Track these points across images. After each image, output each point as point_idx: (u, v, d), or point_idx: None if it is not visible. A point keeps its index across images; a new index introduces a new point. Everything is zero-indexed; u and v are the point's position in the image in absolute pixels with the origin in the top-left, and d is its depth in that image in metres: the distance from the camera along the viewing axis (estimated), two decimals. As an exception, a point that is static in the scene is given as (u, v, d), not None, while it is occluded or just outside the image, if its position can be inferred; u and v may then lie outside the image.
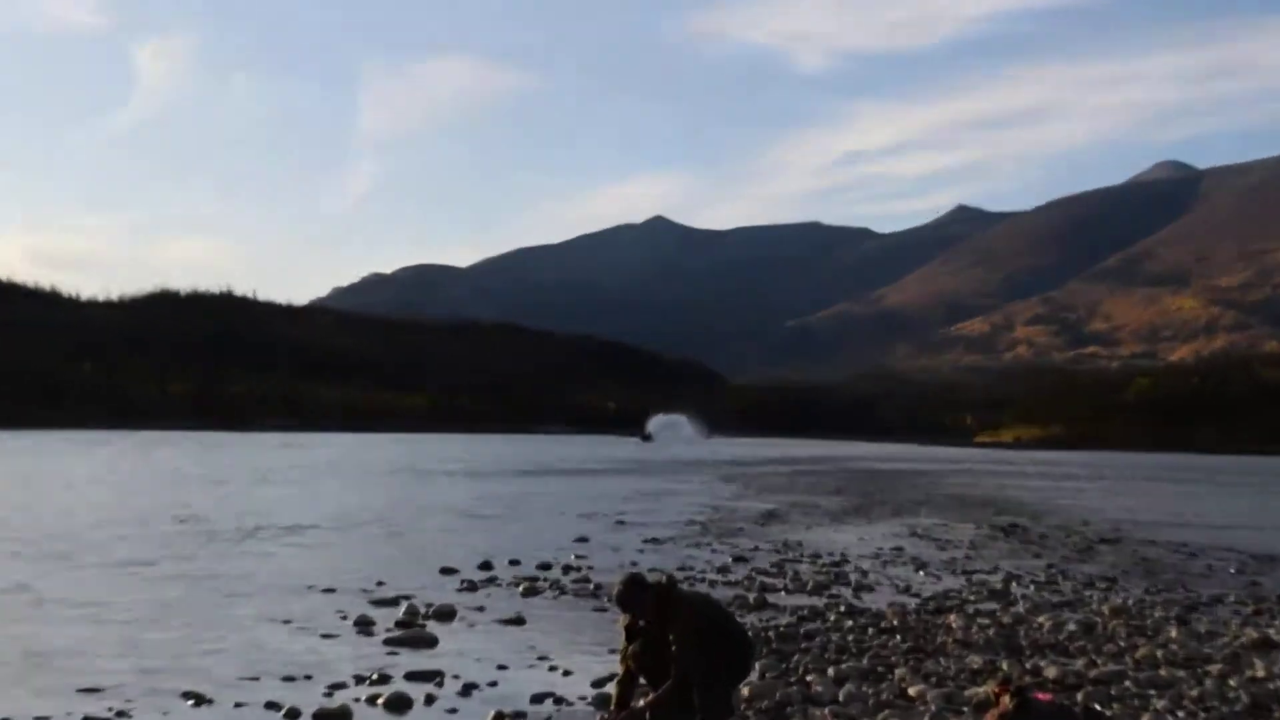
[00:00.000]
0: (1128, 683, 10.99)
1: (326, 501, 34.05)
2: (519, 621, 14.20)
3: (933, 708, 9.86)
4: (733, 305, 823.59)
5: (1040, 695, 7.63)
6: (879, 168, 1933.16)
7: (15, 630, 12.97)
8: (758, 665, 11.06)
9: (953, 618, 14.57)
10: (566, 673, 11.30)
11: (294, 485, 42.17)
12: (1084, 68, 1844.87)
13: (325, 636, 12.93)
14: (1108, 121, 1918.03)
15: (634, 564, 19.94)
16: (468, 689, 10.59)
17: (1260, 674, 11.56)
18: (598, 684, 10.69)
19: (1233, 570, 21.66)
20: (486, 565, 19.23)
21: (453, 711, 9.88)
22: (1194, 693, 10.55)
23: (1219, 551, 25.18)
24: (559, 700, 10.23)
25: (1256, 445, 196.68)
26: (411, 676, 10.95)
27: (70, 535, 22.70)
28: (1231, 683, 11.09)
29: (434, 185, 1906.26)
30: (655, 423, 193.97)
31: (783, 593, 16.96)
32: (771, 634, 13.22)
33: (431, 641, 12.76)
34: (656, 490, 45.26)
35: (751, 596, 16.07)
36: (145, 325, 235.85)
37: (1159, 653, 12.54)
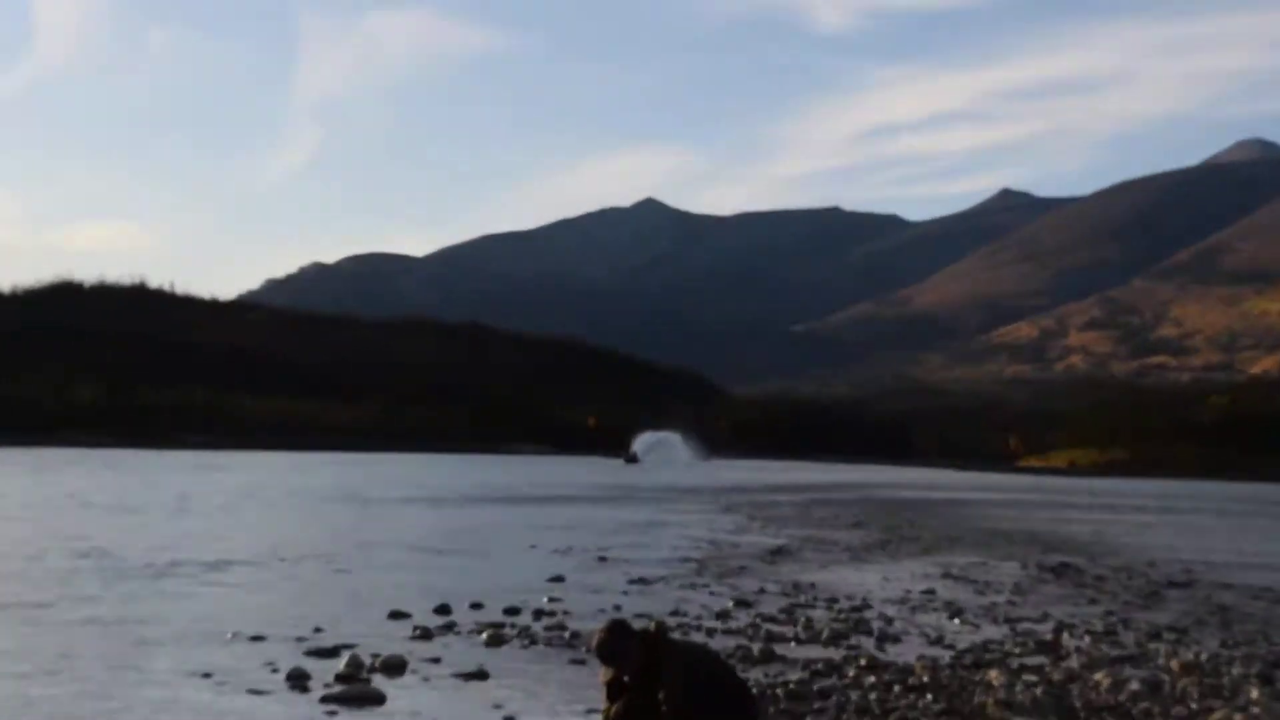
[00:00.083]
0: (1200, 752, 11.00)
1: (255, 533, 33.94)
2: (481, 676, 14.16)
3: (970, 780, 9.85)
4: (735, 304, 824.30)
5: None
6: (909, 144, 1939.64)
7: (-116, 683, 12.88)
8: (764, 729, 11.03)
9: (993, 674, 14.57)
10: (537, 737, 11.26)
11: (217, 513, 42.04)
12: (1154, 28, 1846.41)
13: (252, 693, 12.87)
14: (1181, 92, 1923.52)
15: (617, 608, 19.91)
16: (421, 756, 10.55)
17: (1355, 743, 11.57)
18: (574, 750, 10.67)
19: (1322, 620, 21.72)
20: (443, 609, 19.18)
21: (403, 782, 9.85)
22: (1277, 764, 10.56)
23: (1306, 598, 25.24)
24: (529, 770, 10.20)
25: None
26: (354, 741, 10.91)
27: (-49, 571, 22.59)
28: (1321, 753, 11.10)
29: (384, 161, 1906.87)
30: (642, 442, 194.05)
31: (793, 643, 16.94)
32: (779, 692, 13.20)
33: (378, 699, 12.70)
34: (645, 521, 45.21)
35: (756, 647, 16.05)
36: (43, 323, 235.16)
37: (1237, 716, 12.54)
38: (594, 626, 15.45)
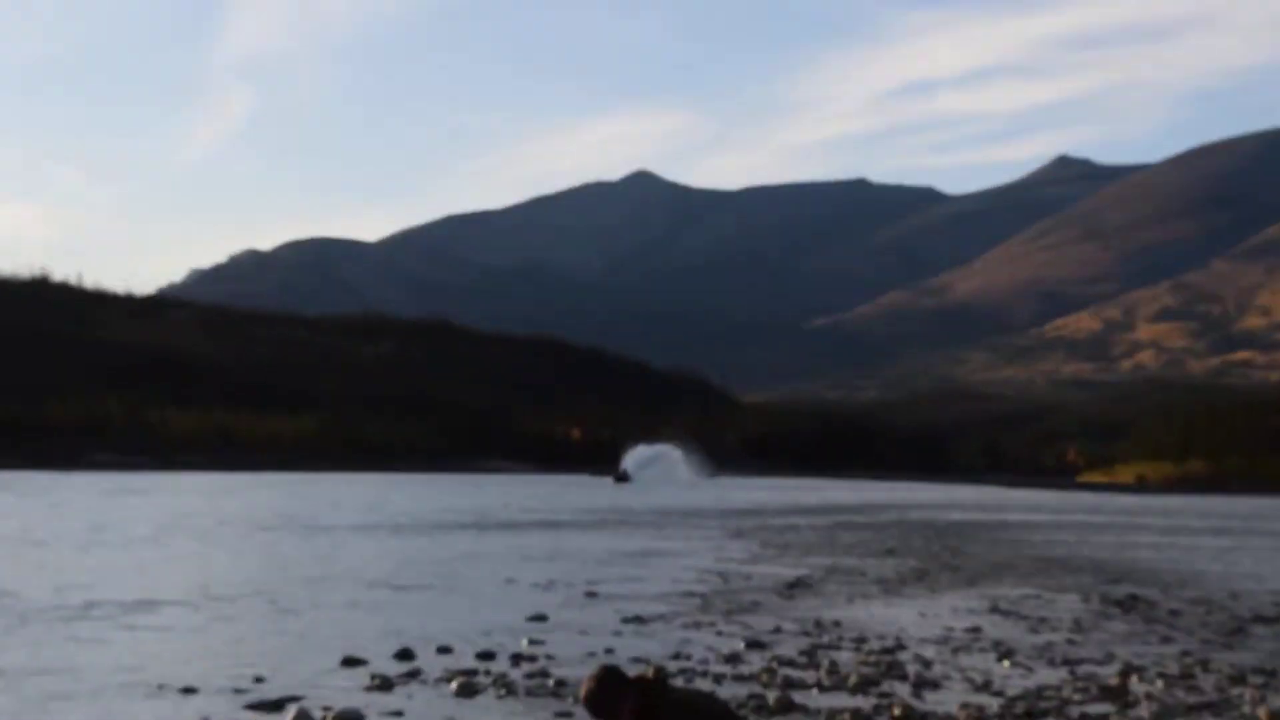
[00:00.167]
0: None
1: (183, 567, 33.97)
2: (452, 731, 14.24)
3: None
4: (744, 296, 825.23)
5: None
6: (947, 104, 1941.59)
7: None
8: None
9: (1050, 724, 14.65)
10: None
11: (137, 545, 42.03)
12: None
13: (184, 753, 12.95)
14: (1270, 39, 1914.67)
15: (609, 652, 19.98)
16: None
17: None
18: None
19: None
20: (406, 654, 19.26)
21: None
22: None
23: None
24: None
25: None
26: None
27: None
28: None
29: (328, 130, 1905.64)
30: (635, 457, 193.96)
31: (815, 690, 17.02)
32: (801, 747, 13.29)
33: (331, 759, 12.78)
34: (640, 550, 45.28)
35: (772, 696, 16.12)
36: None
37: (1332, 771, 12.64)
38: (582, 673, 15.55)
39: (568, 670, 17.93)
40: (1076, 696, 16.92)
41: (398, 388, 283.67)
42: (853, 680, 17.63)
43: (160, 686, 16.43)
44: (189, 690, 16.23)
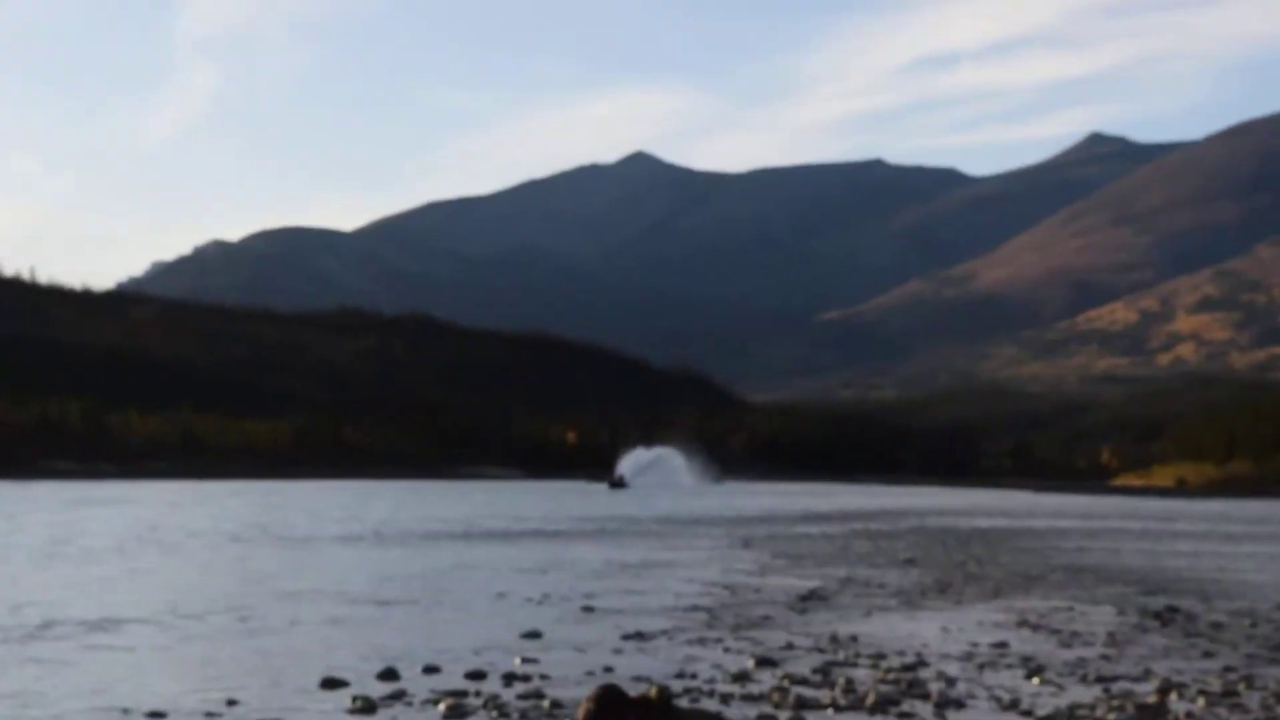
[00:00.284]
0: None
1: (149, 583, 34.03)
2: (441, 757, 14.30)
3: None
4: (751, 286, 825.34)
5: None
6: (970, 78, 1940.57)
7: None
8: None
9: (1083, 745, 14.72)
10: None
11: (100, 559, 42.06)
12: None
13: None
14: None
15: (608, 670, 20.04)
16: None
17: None
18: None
19: None
20: (390, 674, 19.31)
21: None
22: None
23: None
24: None
25: None
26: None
27: None
28: None
29: (300, 111, 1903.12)
30: (632, 461, 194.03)
31: (830, 710, 17.08)
32: (815, 771, 13.35)
33: (312, 787, 12.85)
34: (640, 561, 45.34)
35: (784, 717, 16.18)
36: None
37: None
38: (580, 694, 15.59)
39: (564, 691, 17.97)
40: (1111, 716, 16.97)
41: (378, 388, 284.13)
42: (871, 699, 17.69)
43: (126, 711, 16.48)
44: (157, 715, 16.27)
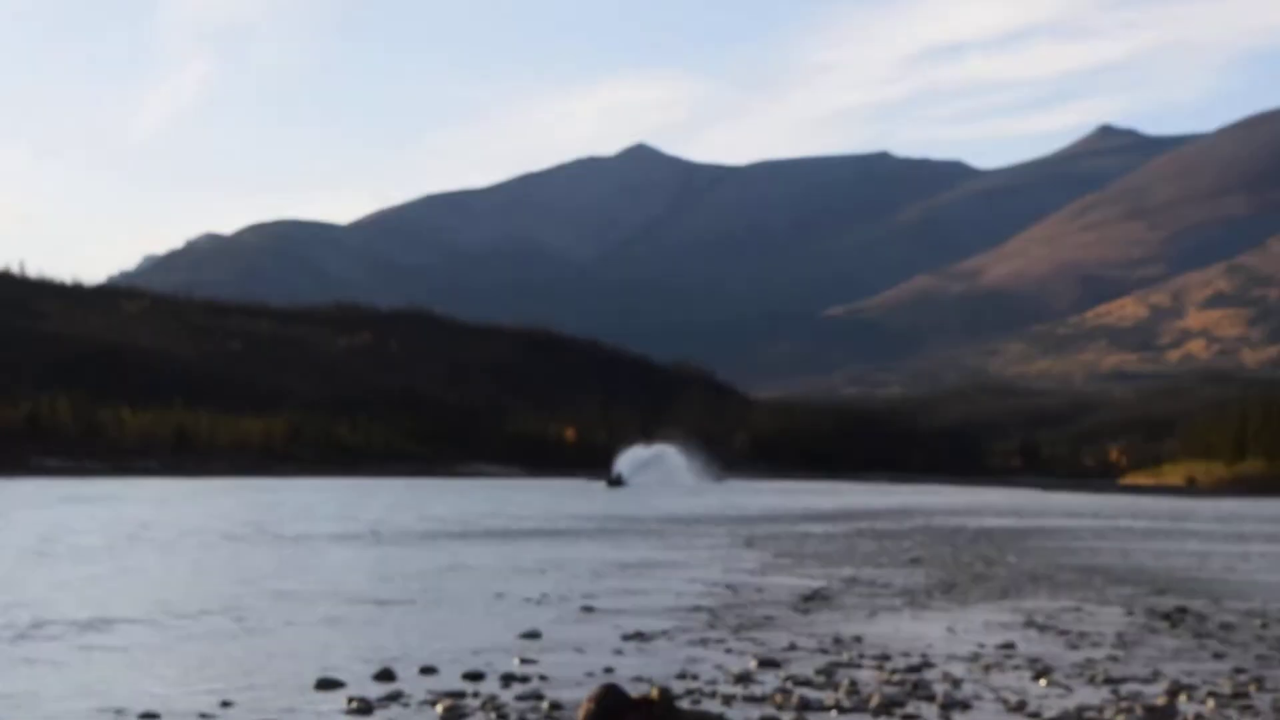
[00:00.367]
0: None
1: (141, 582, 34.06)
2: (438, 759, 14.35)
3: None
4: (753, 281, 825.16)
5: None
6: (978, 68, 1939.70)
7: None
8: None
9: (1090, 748, 14.76)
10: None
11: (91, 558, 42.12)
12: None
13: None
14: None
15: (609, 671, 20.08)
16: None
17: None
18: None
19: None
20: (386, 675, 19.36)
21: None
22: None
23: None
24: None
25: None
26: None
27: None
28: None
29: (294, 102, 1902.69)
30: (630, 459, 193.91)
31: (834, 712, 17.13)
32: (819, 774, 13.39)
33: (308, 789, 12.89)
34: (640, 561, 45.38)
35: (787, 718, 16.21)
36: None
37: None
38: (579, 695, 15.64)
39: (564, 692, 18.01)
40: (1120, 718, 17.00)
41: (374, 384, 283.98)
42: (875, 701, 17.73)
43: (119, 712, 16.52)
44: (150, 716, 16.31)
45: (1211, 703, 18.29)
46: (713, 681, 19.34)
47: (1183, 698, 18.65)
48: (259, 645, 22.73)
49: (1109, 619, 28.98)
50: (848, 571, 41.58)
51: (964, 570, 43.09)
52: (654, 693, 8.93)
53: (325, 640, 23.35)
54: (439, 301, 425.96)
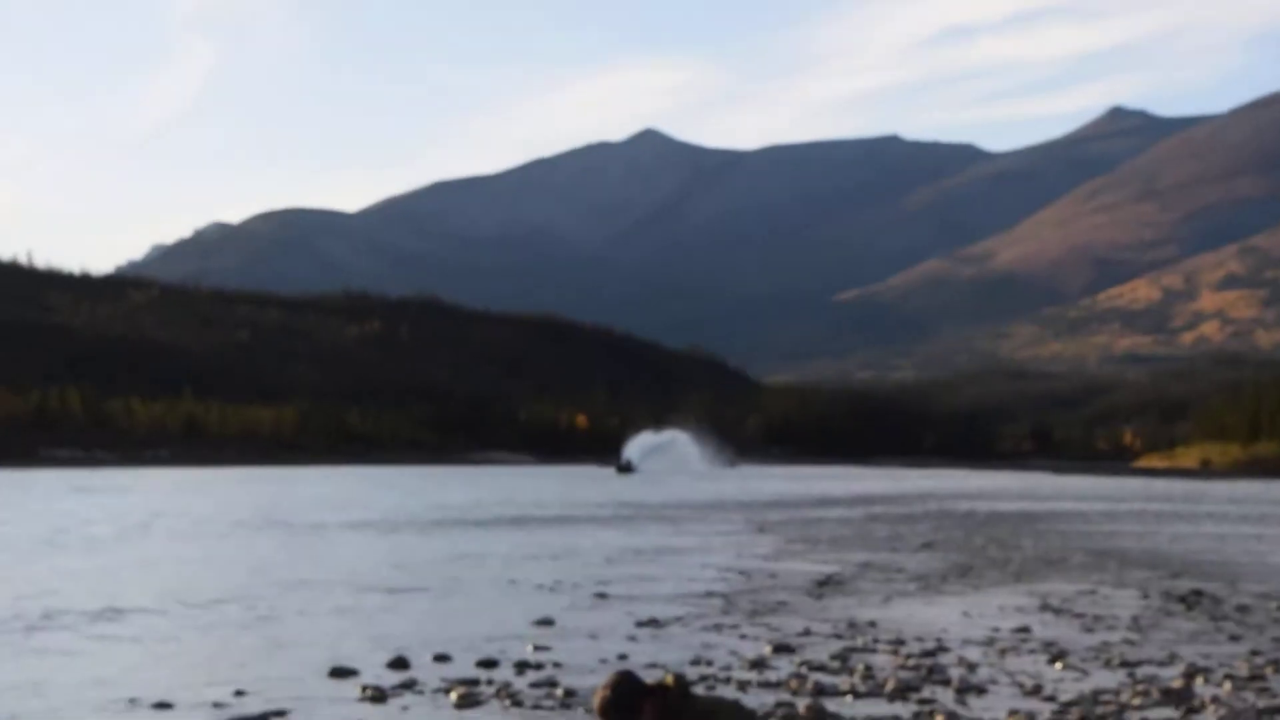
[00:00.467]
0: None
1: (153, 572, 34.11)
2: (453, 746, 14.37)
3: None
4: (764, 266, 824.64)
5: None
6: (989, 51, 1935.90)
7: None
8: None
9: (1107, 731, 14.76)
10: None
11: (103, 548, 42.20)
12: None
13: (161, 772, 13.06)
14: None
15: (623, 658, 20.10)
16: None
17: None
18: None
19: None
20: (400, 663, 19.38)
21: None
22: None
23: None
24: None
25: None
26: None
27: None
28: None
29: (301, 90, 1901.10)
30: (639, 445, 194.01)
31: (849, 697, 17.14)
32: (835, 758, 13.40)
33: (322, 777, 12.91)
34: (653, 547, 45.42)
35: (802, 704, 16.22)
36: None
37: None
38: (593, 682, 15.67)
39: (577, 679, 18.04)
40: (1136, 701, 17.01)
41: (384, 373, 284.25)
42: (890, 686, 17.75)
43: (132, 701, 16.55)
44: (163, 705, 16.34)
45: (1228, 685, 18.29)
46: (727, 667, 19.36)
47: (1199, 680, 18.65)
48: (272, 634, 22.76)
49: (1124, 602, 28.98)
50: (861, 556, 41.60)
51: (978, 554, 43.10)
52: (669, 679, 8.93)
53: (338, 629, 23.38)
54: (448, 289, 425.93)
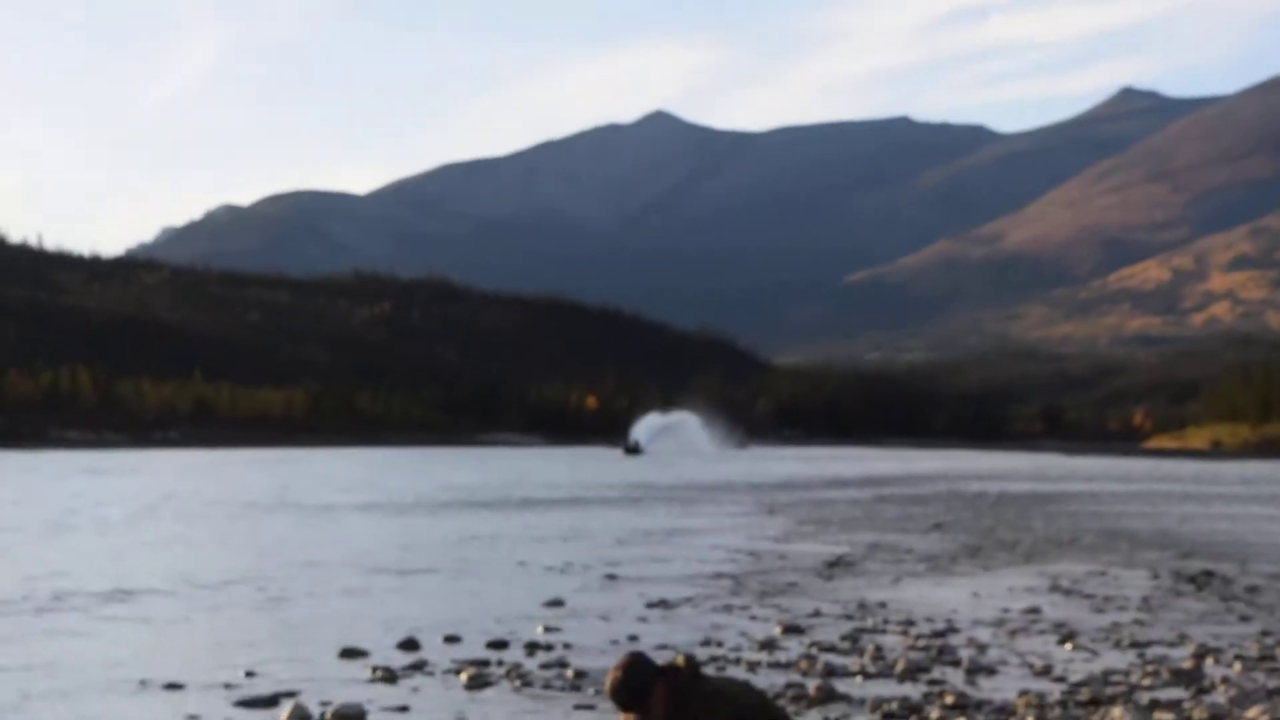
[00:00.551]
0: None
1: (163, 553, 34.18)
2: (462, 727, 14.38)
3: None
4: (774, 248, 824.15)
5: None
6: (999, 31, 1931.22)
7: None
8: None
9: (1117, 712, 14.75)
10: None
11: (112, 530, 42.29)
12: None
13: (172, 753, 13.09)
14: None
15: (633, 639, 20.14)
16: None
17: None
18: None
19: None
20: (411, 644, 19.41)
21: None
22: None
23: None
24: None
25: None
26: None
27: None
28: None
29: (312, 70, 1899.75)
30: (647, 426, 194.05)
31: (859, 678, 17.14)
32: (844, 739, 13.40)
33: (333, 758, 12.91)
34: (663, 529, 45.47)
35: (812, 685, 16.23)
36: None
37: None
38: (603, 663, 15.69)
39: (588, 660, 18.06)
40: (1146, 681, 17.00)
41: (394, 354, 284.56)
42: (900, 666, 17.75)
43: (143, 683, 16.57)
44: (174, 686, 16.36)
45: (1238, 666, 18.29)
46: (737, 648, 19.38)
47: (1209, 661, 18.65)
48: (282, 615, 22.80)
49: (1134, 583, 28.99)
50: (871, 537, 41.64)
51: (988, 535, 43.13)
52: (679, 660, 8.92)
53: (349, 610, 23.42)
54: (458, 271, 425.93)
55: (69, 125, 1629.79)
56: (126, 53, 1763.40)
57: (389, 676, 17.08)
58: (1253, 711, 14.84)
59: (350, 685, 16.48)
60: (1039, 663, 18.53)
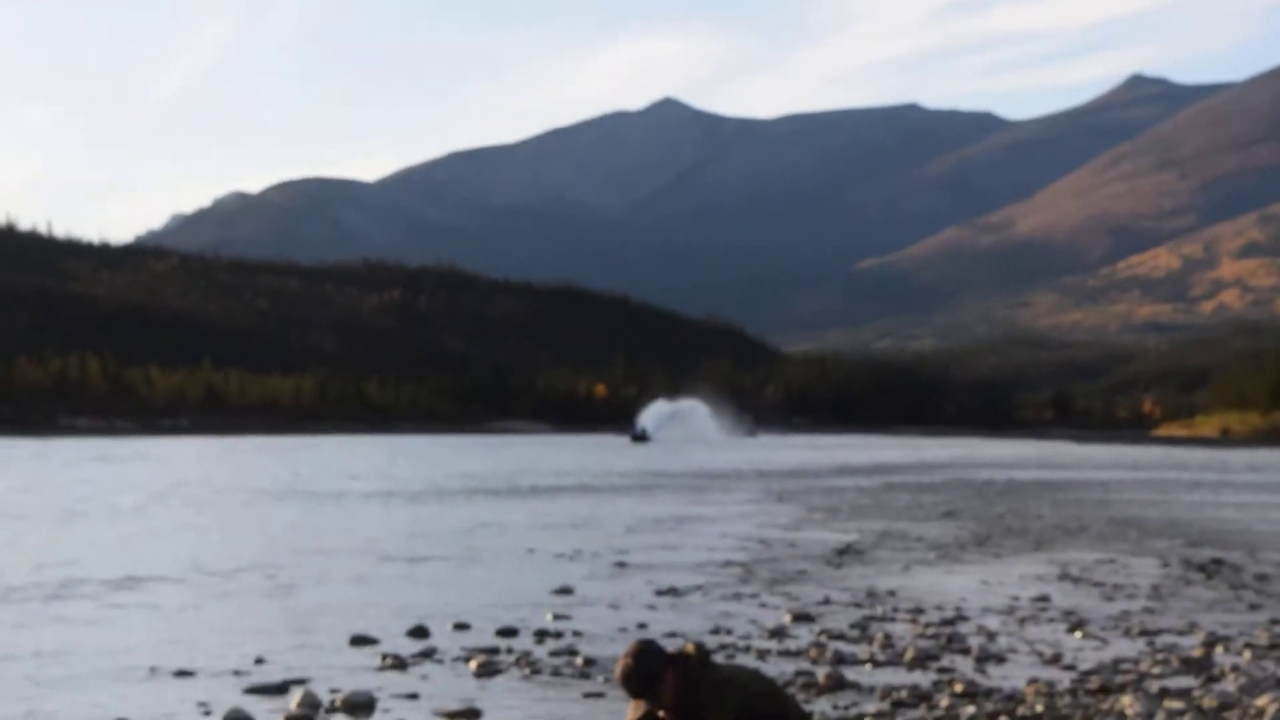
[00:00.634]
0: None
1: (173, 540, 34.20)
2: (471, 715, 14.37)
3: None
4: (782, 235, 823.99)
5: None
6: (1008, 18, 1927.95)
7: None
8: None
9: (1127, 700, 14.73)
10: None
11: (122, 517, 42.32)
12: None
13: (181, 741, 13.09)
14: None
15: (643, 627, 20.14)
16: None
17: None
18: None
19: None
20: (420, 631, 19.43)
21: None
22: None
23: None
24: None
25: None
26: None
27: None
28: None
29: (320, 59, 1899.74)
30: (654, 414, 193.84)
31: (869, 666, 17.14)
32: (854, 727, 13.39)
33: (342, 745, 12.92)
34: (672, 516, 45.47)
35: (821, 672, 16.23)
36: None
37: None
38: (612, 651, 15.70)
39: (597, 647, 18.08)
40: (1155, 670, 17.00)
41: (403, 342, 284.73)
42: (910, 654, 17.75)
43: (153, 669, 16.59)
44: (184, 673, 16.38)
45: (1248, 654, 18.28)
46: (747, 636, 19.38)
47: (1219, 649, 18.64)
48: (292, 603, 22.83)
49: (1144, 571, 28.97)
50: (880, 525, 41.63)
51: (997, 523, 43.10)
52: (689, 647, 8.92)
53: (358, 597, 23.44)
54: (467, 258, 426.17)
55: (78, 113, 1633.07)
56: (136, 40, 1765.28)
57: (398, 664, 17.10)
58: (1262, 700, 14.81)
59: (360, 673, 16.49)
60: (1048, 651, 18.52)
